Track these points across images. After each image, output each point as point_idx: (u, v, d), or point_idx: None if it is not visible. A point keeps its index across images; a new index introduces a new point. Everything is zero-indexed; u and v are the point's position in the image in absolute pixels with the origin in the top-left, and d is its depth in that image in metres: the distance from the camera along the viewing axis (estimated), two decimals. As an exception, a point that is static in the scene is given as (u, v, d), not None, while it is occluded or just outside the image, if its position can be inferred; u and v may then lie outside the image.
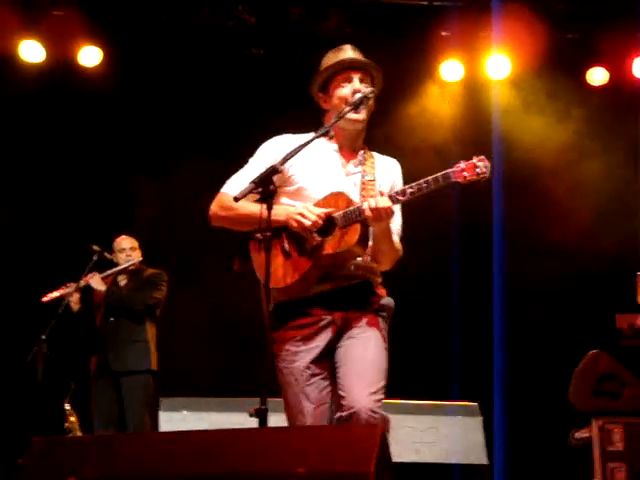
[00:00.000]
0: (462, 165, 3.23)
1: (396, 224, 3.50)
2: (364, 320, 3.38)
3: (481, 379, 6.94)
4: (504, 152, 6.96)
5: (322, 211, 3.34)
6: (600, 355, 5.40)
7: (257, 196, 3.24)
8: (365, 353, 3.32)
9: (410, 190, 3.27)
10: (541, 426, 6.74)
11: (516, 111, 7.05)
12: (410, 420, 5.67)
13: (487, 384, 6.96)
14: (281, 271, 3.37)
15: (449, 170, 3.23)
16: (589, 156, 7.01)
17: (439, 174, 3.23)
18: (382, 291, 3.50)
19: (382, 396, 3.30)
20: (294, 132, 3.54)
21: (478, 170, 3.21)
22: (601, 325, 5.85)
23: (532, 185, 7.12)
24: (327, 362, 3.38)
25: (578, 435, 5.46)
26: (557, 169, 7.07)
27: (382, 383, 3.31)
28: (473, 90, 7.15)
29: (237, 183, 3.38)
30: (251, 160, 3.52)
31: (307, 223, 3.31)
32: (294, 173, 3.45)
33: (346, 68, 3.47)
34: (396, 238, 3.49)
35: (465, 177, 3.22)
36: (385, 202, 3.25)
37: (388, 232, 3.40)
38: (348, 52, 3.52)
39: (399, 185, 3.49)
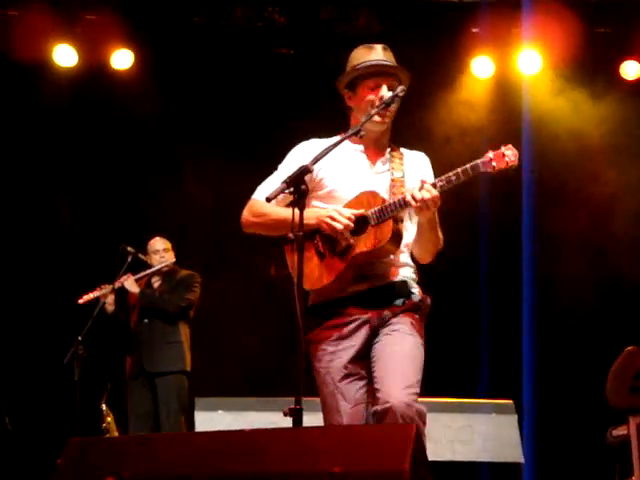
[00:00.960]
0: (491, 155, 3.23)
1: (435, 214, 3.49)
2: (400, 318, 3.38)
3: (511, 376, 6.89)
4: (536, 148, 6.91)
5: (352, 212, 3.35)
6: (637, 351, 5.34)
7: (288, 201, 3.24)
8: (401, 348, 3.32)
9: (440, 183, 3.27)
10: (576, 424, 6.68)
11: (547, 107, 6.99)
12: (445, 418, 5.66)
13: (517, 382, 6.90)
14: (317, 272, 3.40)
15: (478, 161, 3.24)
16: (623, 152, 6.93)
17: (468, 165, 3.24)
18: (418, 290, 3.50)
19: (417, 390, 3.30)
20: (325, 132, 3.55)
21: (507, 159, 3.22)
22: (638, 321, 5.80)
23: (565, 183, 7.06)
24: (364, 362, 3.39)
25: (615, 432, 5.41)
26: (590, 166, 7.00)
27: (418, 377, 3.31)
28: (504, 86, 7.10)
29: (268, 189, 3.38)
30: (280, 166, 3.54)
31: (339, 227, 3.32)
32: (323, 176, 3.47)
33: (376, 74, 3.46)
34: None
35: (494, 167, 3.22)
36: (431, 192, 3.24)
37: (434, 222, 3.39)
38: (379, 54, 3.50)
39: (430, 178, 3.47)
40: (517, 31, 6.84)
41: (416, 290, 3.48)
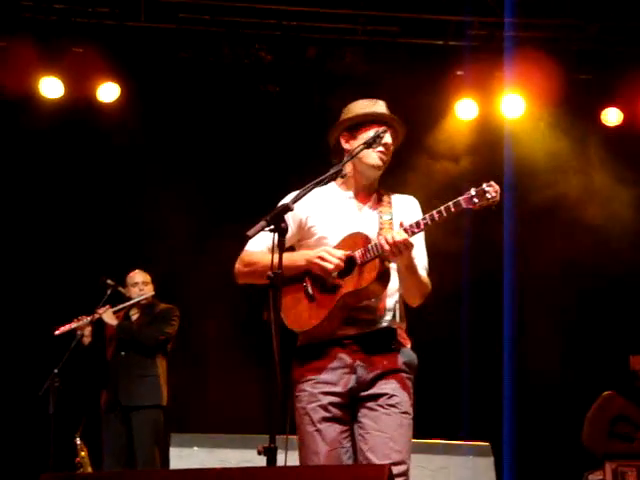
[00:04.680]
0: (472, 192, 3.26)
1: (421, 259, 3.50)
2: (391, 384, 3.37)
3: (491, 419, 6.88)
4: (518, 191, 6.97)
5: (342, 253, 3.36)
6: (613, 396, 5.36)
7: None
8: (391, 432, 3.30)
9: (424, 221, 3.29)
10: (553, 467, 6.66)
11: (530, 150, 7.06)
12: (422, 459, 5.62)
13: (497, 425, 6.89)
14: (306, 314, 3.40)
15: (460, 198, 3.27)
16: (603, 196, 7.00)
17: (450, 202, 3.26)
18: (406, 341, 3.49)
19: (406, 477, 3.30)
20: (308, 169, 3.56)
21: (488, 195, 3.24)
22: (615, 366, 5.82)
23: (545, 222, 7.11)
24: (347, 409, 3.38)
25: (592, 477, 5.41)
26: (571, 208, 7.07)
27: (405, 466, 3.29)
28: (487, 129, 7.18)
29: (258, 240, 3.39)
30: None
31: (329, 267, 3.33)
32: (313, 224, 3.49)
33: (382, 122, 3.51)
34: (423, 272, 3.49)
35: (475, 203, 3.24)
36: (401, 235, 3.27)
37: (412, 267, 3.40)
38: (384, 108, 3.57)
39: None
40: (500, 75, 6.93)
41: (404, 341, 3.48)
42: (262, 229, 3.20)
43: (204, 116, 7.11)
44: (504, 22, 6.65)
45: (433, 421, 6.30)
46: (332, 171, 3.42)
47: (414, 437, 3.43)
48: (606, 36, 6.85)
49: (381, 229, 3.43)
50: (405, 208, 3.56)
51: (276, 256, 3.12)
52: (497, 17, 6.70)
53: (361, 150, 3.45)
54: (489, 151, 7.09)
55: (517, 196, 6.92)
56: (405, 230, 3.29)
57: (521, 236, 7.08)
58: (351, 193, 3.56)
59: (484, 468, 5.87)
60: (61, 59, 6.75)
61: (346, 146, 3.56)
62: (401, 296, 3.51)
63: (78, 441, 5.95)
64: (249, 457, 4.94)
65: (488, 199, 3.24)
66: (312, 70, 7.00)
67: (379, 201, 3.55)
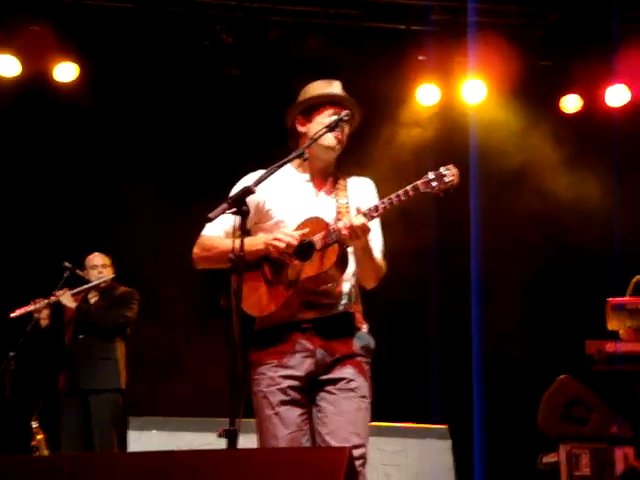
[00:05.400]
0: (430, 175, 3.27)
1: (377, 242, 3.52)
2: (349, 369, 3.39)
3: (459, 403, 6.94)
4: (480, 176, 7.02)
5: (297, 233, 3.36)
6: (568, 380, 5.43)
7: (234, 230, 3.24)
8: (350, 416, 3.32)
9: (382, 205, 3.30)
10: (514, 450, 6.75)
11: (491, 136, 7.11)
12: (380, 442, 5.66)
13: (465, 408, 6.96)
14: (265, 299, 3.40)
15: (418, 182, 3.28)
16: (563, 182, 7.08)
17: (408, 186, 3.28)
18: (363, 324, 3.51)
19: (364, 460, 3.32)
20: (268, 154, 3.56)
21: (446, 179, 3.25)
22: (571, 350, 5.89)
23: (507, 210, 7.18)
24: (306, 393, 3.39)
25: (546, 460, 5.48)
26: (531, 194, 7.14)
27: (364, 450, 3.32)
28: (449, 114, 7.21)
29: (216, 224, 3.38)
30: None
31: (281, 245, 3.33)
32: (270, 207, 3.49)
33: (337, 103, 3.52)
34: (379, 255, 3.51)
35: (434, 187, 3.25)
36: (359, 220, 3.28)
37: (368, 250, 3.42)
38: (339, 88, 3.57)
39: (375, 202, 3.50)
40: (462, 60, 6.96)
41: (364, 327, 3.50)
42: (224, 211, 3.19)
43: (164, 98, 7.04)
44: (467, 7, 6.66)
45: (401, 405, 6.37)
46: (294, 154, 3.42)
47: (374, 420, 3.46)
48: (567, 23, 6.91)
49: (338, 213, 3.44)
50: (361, 191, 3.57)
51: (237, 240, 3.11)
52: (460, 2, 6.71)
53: (324, 134, 3.44)
54: (451, 136, 7.12)
55: (480, 181, 6.97)
56: (364, 214, 3.30)
57: (484, 220, 7.13)
58: (307, 176, 3.57)
59: (442, 451, 5.92)
60: (18, 37, 6.64)
61: (301, 129, 3.56)
62: (357, 279, 3.52)
63: (34, 424, 5.88)
64: (209, 440, 4.93)
65: (446, 182, 3.25)
66: (274, 53, 6.96)
67: (335, 184, 3.55)
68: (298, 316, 3.40)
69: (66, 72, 6.86)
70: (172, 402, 6.56)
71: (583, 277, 7.06)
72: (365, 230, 3.29)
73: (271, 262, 3.42)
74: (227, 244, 3.36)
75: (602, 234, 6.91)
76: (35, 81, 6.84)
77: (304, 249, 3.36)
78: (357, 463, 3.17)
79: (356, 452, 3.19)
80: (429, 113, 7.20)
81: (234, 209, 3.15)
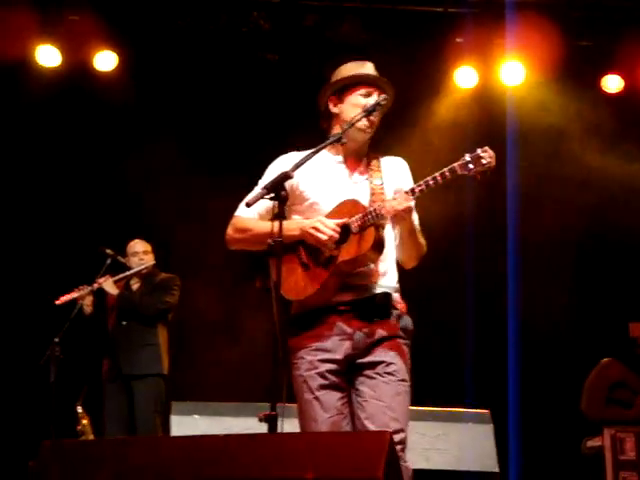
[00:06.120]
0: (467, 158, 3.25)
1: (415, 221, 3.52)
2: (389, 351, 3.37)
3: (495, 386, 6.91)
4: (518, 159, 6.96)
5: (336, 222, 3.36)
6: (612, 363, 5.38)
7: (270, 213, 3.24)
8: (389, 400, 3.31)
9: (419, 188, 3.29)
10: (554, 434, 6.72)
11: (530, 118, 7.04)
12: (421, 426, 5.65)
13: (501, 391, 6.93)
14: (301, 283, 3.41)
15: (455, 164, 3.26)
16: (604, 164, 6.99)
17: (445, 169, 3.26)
18: (402, 305, 3.50)
19: (404, 445, 3.31)
20: (305, 138, 3.56)
21: (483, 161, 3.23)
22: (614, 333, 5.84)
23: (546, 192, 7.11)
24: (345, 376, 3.39)
25: (590, 444, 5.44)
26: (572, 177, 7.06)
27: (403, 435, 3.31)
28: (487, 97, 7.14)
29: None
30: (260, 181, 3.54)
31: (323, 238, 3.34)
32: (304, 189, 3.49)
33: (369, 83, 3.52)
34: (419, 234, 3.51)
35: (471, 169, 3.24)
36: (405, 201, 3.27)
37: (414, 230, 3.43)
38: (371, 69, 3.58)
39: (409, 182, 3.50)
40: (500, 42, 6.88)
41: (402, 308, 3.48)
42: (262, 197, 3.20)
43: (202, 85, 7.07)
44: (504, -12, 6.59)
45: (436, 389, 6.36)
46: (332, 139, 3.43)
47: (413, 404, 3.45)
48: (607, 2, 6.79)
49: (372, 194, 3.43)
50: (395, 171, 3.57)
51: (276, 224, 3.11)
52: (497, -17, 6.64)
53: (361, 118, 3.44)
54: (489, 119, 7.05)
55: (519, 163, 6.91)
56: (412, 191, 3.29)
57: (523, 203, 7.07)
58: (340, 157, 3.56)
59: (484, 435, 5.90)
60: (58, 27, 6.70)
61: (334, 110, 3.56)
62: (395, 260, 3.51)
63: (79, 409, 5.98)
64: (250, 425, 4.96)
65: (483, 164, 3.24)
66: (310, 38, 6.95)
67: (368, 165, 3.54)
68: (335, 299, 3.39)
69: (106, 61, 6.91)
70: (215, 387, 6.61)
71: (627, 259, 6.97)
72: (410, 210, 3.29)
73: (306, 245, 3.42)
74: (263, 226, 3.37)
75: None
76: (75, 71, 6.90)
77: (341, 233, 3.36)
78: (396, 448, 3.17)
79: (395, 437, 3.19)
80: (467, 96, 7.14)
81: (272, 194, 3.16)
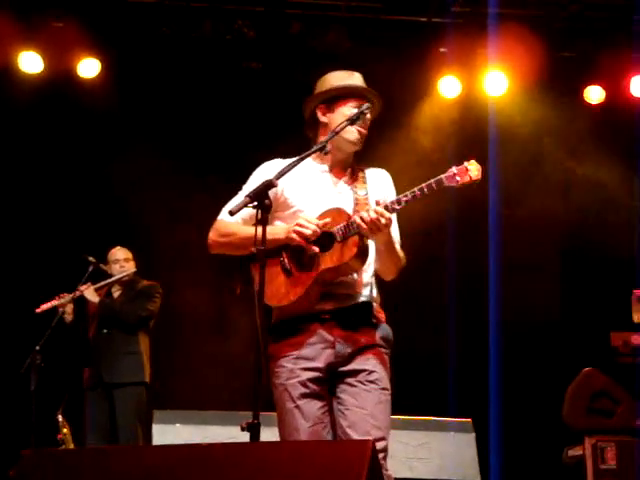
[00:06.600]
0: (454, 170, 3.28)
1: (396, 233, 3.53)
2: (370, 360, 3.38)
3: (477, 395, 6.93)
4: (501, 168, 6.98)
5: (320, 222, 3.36)
6: (594, 373, 5.41)
7: (253, 219, 3.24)
8: (371, 408, 3.31)
9: (405, 199, 3.30)
10: (535, 443, 6.73)
11: (512, 128, 7.07)
12: (403, 435, 5.67)
13: (483, 400, 6.95)
14: (283, 289, 3.40)
15: (442, 176, 3.28)
16: (585, 174, 7.03)
17: (432, 180, 3.28)
18: (381, 315, 3.50)
19: (386, 453, 3.32)
20: (288, 147, 3.56)
21: (470, 173, 3.26)
22: (596, 343, 5.86)
23: (528, 201, 7.14)
24: (326, 384, 3.38)
25: (571, 453, 5.46)
26: (553, 186, 7.10)
27: (385, 443, 3.31)
28: (470, 106, 7.17)
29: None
30: (244, 186, 3.54)
31: (307, 232, 3.33)
32: (288, 196, 3.49)
33: (361, 96, 3.52)
34: (398, 247, 3.51)
35: (458, 181, 3.26)
36: (381, 213, 3.27)
37: (391, 243, 3.42)
38: (360, 80, 3.58)
39: (392, 194, 3.51)
40: (483, 52, 6.92)
41: (380, 315, 3.48)
42: (245, 205, 3.19)
43: (186, 93, 7.06)
44: (487, -1, 6.63)
45: (418, 398, 6.36)
46: (316, 148, 3.43)
47: (395, 413, 3.45)
48: (589, 13, 6.85)
49: (356, 204, 3.44)
50: (379, 183, 3.57)
51: (260, 229, 3.11)
52: (481, -6, 6.68)
53: (345, 127, 3.44)
54: (472, 128, 7.09)
55: (501, 173, 6.94)
56: (386, 207, 3.29)
57: (505, 215, 7.10)
58: (326, 167, 3.56)
59: (466, 444, 5.92)
60: (41, 33, 6.67)
61: (323, 119, 3.55)
62: (376, 271, 3.52)
63: (60, 418, 5.93)
64: (232, 434, 4.95)
65: (470, 177, 3.25)
66: (295, 47, 6.96)
67: (353, 176, 3.55)
68: (317, 307, 3.39)
69: (89, 68, 6.89)
70: (196, 395, 6.59)
71: (608, 268, 7.01)
72: (387, 224, 3.29)
73: (290, 251, 3.41)
74: (246, 231, 3.36)
75: (627, 225, 6.86)
76: (58, 77, 6.87)
77: (325, 240, 3.36)
78: (379, 456, 3.16)
79: (378, 445, 3.19)
80: (451, 105, 7.17)
81: (255, 202, 3.16)
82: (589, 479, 5.18)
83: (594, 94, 7.16)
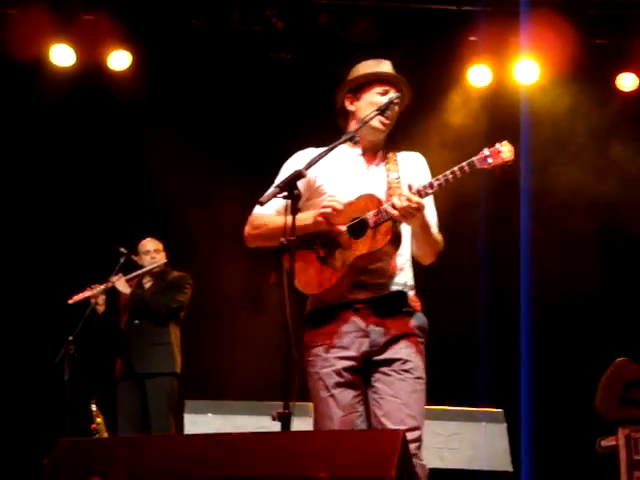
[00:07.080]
0: (486, 152, 3.26)
1: (432, 216, 3.51)
2: (405, 349, 3.37)
3: (508, 385, 6.89)
4: (532, 157, 6.93)
5: (345, 201, 3.34)
6: (627, 363, 5.36)
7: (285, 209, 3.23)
8: (406, 398, 3.31)
9: (437, 182, 3.28)
10: (568, 433, 6.69)
11: (544, 116, 7.01)
12: (435, 426, 5.64)
13: (514, 390, 6.91)
14: (317, 278, 3.40)
15: (474, 158, 3.27)
16: (620, 163, 6.95)
17: (464, 163, 3.26)
18: (417, 303, 3.49)
19: (420, 442, 3.31)
20: (321, 137, 3.56)
21: (502, 155, 3.25)
22: (630, 332, 5.81)
23: (561, 190, 7.07)
24: (360, 373, 3.38)
25: (604, 443, 5.42)
26: (586, 174, 7.02)
27: (419, 432, 3.30)
28: (501, 95, 7.12)
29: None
30: (277, 178, 3.53)
31: (328, 210, 3.32)
32: (322, 183, 3.49)
33: (386, 81, 3.52)
34: (435, 230, 3.50)
35: (490, 163, 3.25)
36: (411, 199, 3.25)
37: (426, 227, 3.40)
38: (388, 67, 3.58)
39: (426, 177, 3.50)
40: (515, 40, 6.85)
41: (415, 304, 3.47)
42: (274, 195, 3.20)
43: (215, 84, 7.08)
44: (518, -14, 6.56)
45: (449, 388, 6.34)
46: (344, 138, 3.43)
47: (427, 404, 3.44)
48: (622, 0, 6.75)
49: (389, 188, 3.43)
50: (412, 166, 3.56)
51: (289, 219, 3.10)
52: (511, -19, 6.61)
53: (374, 117, 3.44)
54: (503, 117, 7.03)
55: (533, 164, 6.88)
56: (418, 192, 3.28)
57: (537, 202, 7.04)
58: (359, 150, 3.56)
59: (497, 434, 5.89)
60: (72, 26, 6.72)
61: (350, 108, 3.56)
62: (411, 257, 3.51)
63: (94, 408, 6.00)
64: (264, 423, 4.96)
65: (503, 158, 3.24)
66: (324, 37, 6.95)
67: (386, 159, 3.55)
68: (350, 296, 3.38)
69: (120, 60, 6.93)
70: (228, 385, 6.62)
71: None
72: (420, 208, 3.27)
73: (323, 240, 3.41)
74: (278, 221, 3.36)
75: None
76: (89, 70, 6.92)
77: (358, 228, 3.35)
78: (412, 446, 3.16)
79: (411, 435, 3.18)
80: (481, 94, 7.11)
81: (285, 193, 3.16)
82: (622, 470, 5.14)
83: (627, 81, 7.07)
